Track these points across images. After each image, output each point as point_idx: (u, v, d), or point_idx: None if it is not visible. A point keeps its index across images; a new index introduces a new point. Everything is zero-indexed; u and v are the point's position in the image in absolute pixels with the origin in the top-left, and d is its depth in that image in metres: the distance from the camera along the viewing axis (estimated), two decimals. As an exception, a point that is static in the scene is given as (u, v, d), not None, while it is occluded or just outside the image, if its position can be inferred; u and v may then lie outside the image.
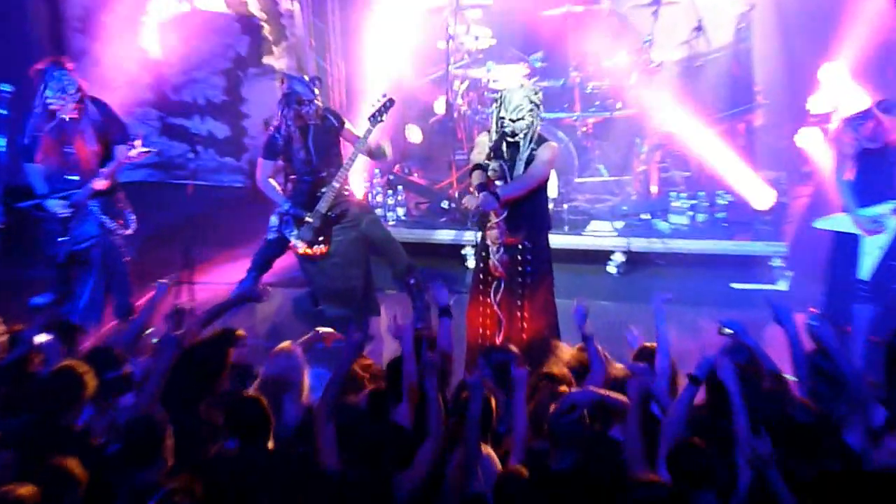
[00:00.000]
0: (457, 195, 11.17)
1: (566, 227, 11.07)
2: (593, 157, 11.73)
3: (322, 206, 9.13)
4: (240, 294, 8.49)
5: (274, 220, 9.40)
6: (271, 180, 9.24)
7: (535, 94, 7.90)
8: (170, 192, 13.00)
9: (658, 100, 11.22)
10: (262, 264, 9.71)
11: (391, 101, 9.05)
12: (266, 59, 13.15)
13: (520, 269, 8.34)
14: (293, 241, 9.31)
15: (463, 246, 11.17)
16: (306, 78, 9.22)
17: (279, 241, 9.52)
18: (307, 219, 9.21)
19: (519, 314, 8.37)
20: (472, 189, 8.21)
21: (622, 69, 11.41)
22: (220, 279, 10.35)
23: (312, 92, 9.01)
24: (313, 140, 9.13)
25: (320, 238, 9.26)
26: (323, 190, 9.17)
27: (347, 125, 9.27)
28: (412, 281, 9.64)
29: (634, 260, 11.11)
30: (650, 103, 11.20)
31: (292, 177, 9.28)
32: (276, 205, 9.33)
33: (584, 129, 11.70)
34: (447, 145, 11.76)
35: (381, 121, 8.96)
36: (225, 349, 6.71)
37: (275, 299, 10.03)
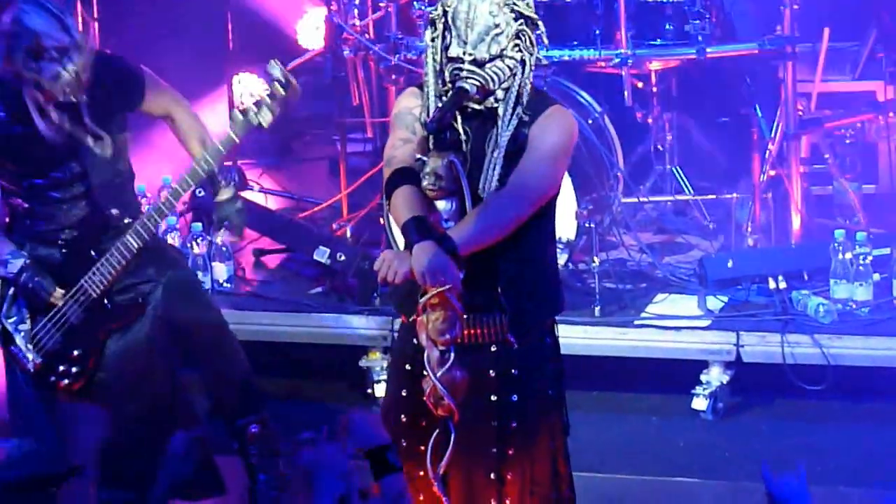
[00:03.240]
0: (349, 236, 8.61)
1: (596, 309, 8.09)
2: (660, 149, 9.12)
3: (95, 282, 6.41)
4: None
5: None
6: None
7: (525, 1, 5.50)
8: None
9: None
10: None
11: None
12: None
13: (495, 398, 5.56)
14: (21, 346, 6.43)
15: (365, 350, 8.25)
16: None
17: None
18: (52, 299, 6.49)
19: (494, 502, 5.64)
20: (393, 230, 7.28)
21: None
22: None
23: (68, 33, 6.36)
24: (73, 129, 6.45)
25: (75, 352, 6.44)
26: (94, 254, 6.45)
27: (153, 90, 6.54)
28: (253, 429, 6.76)
29: (750, 384, 8.12)
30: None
31: (16, 199, 6.55)
32: None
33: (639, 84, 8.92)
34: (327, 120, 9.76)
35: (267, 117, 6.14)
36: None
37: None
